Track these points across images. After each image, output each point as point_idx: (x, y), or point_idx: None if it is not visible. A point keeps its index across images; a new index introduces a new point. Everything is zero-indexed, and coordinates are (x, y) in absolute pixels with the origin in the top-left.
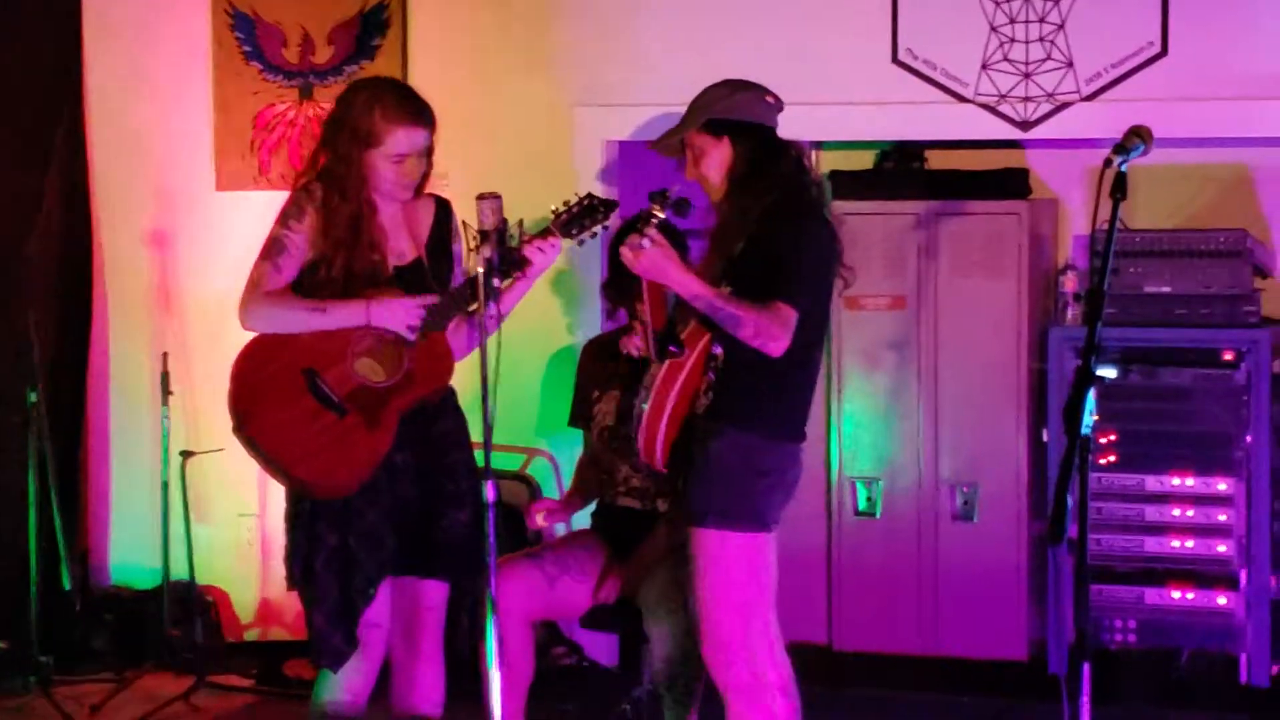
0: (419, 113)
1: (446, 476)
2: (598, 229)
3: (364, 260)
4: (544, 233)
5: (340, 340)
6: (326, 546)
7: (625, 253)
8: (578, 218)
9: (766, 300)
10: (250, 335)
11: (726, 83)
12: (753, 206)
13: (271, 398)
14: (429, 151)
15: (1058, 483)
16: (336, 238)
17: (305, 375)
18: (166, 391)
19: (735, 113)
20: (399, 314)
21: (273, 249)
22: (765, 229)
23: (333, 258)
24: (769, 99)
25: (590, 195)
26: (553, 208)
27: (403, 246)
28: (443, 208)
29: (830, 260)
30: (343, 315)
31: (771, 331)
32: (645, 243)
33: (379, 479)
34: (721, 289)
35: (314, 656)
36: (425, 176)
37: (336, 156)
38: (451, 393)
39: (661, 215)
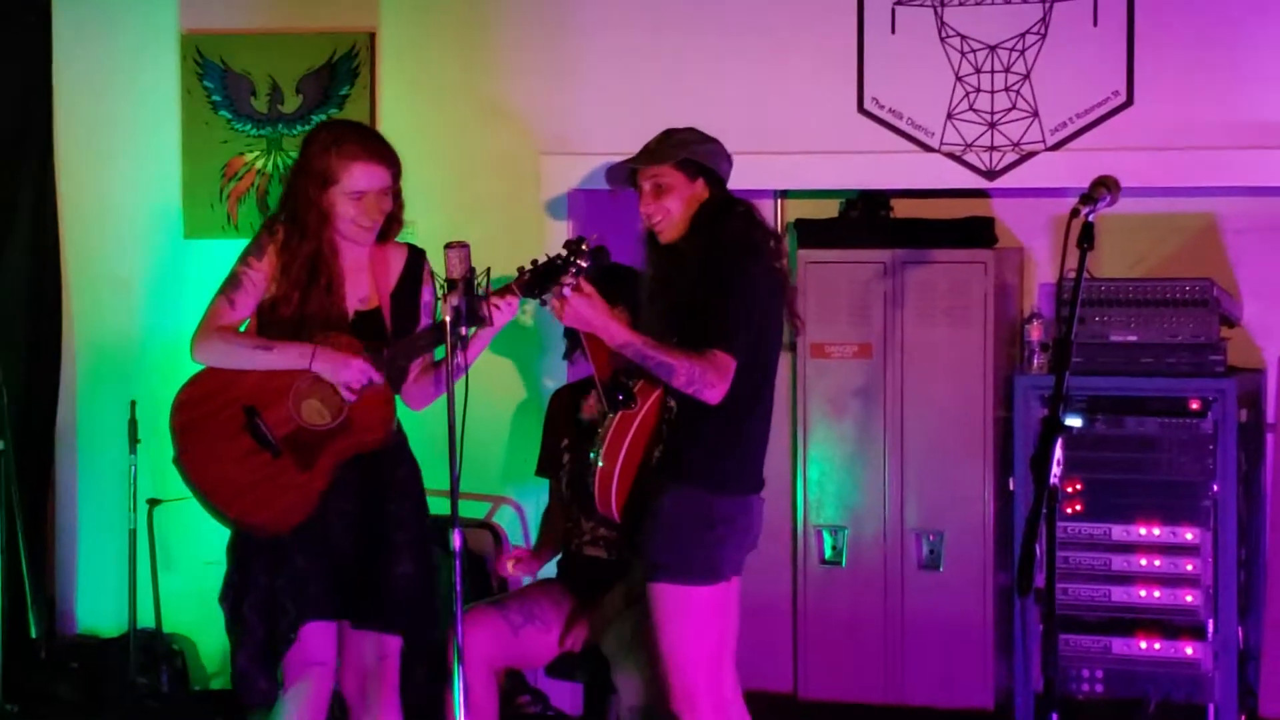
0: (377, 150)
1: (388, 526)
2: (569, 281)
3: (318, 302)
4: (501, 290)
5: (285, 380)
6: (257, 587)
7: (553, 303)
8: (541, 278)
9: (703, 347)
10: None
11: (693, 130)
12: (704, 250)
13: (209, 431)
14: (394, 193)
15: (1025, 533)
16: (294, 277)
17: (245, 412)
18: (134, 439)
19: (708, 159)
20: (343, 370)
21: (229, 284)
22: (709, 273)
23: (289, 296)
24: (727, 154)
25: (561, 254)
26: (521, 265)
27: (365, 291)
28: (415, 256)
29: (775, 305)
30: (288, 356)
31: (707, 379)
32: (567, 292)
33: (314, 523)
34: (661, 334)
35: (239, 697)
36: (396, 222)
37: (299, 197)
38: (403, 441)
39: (584, 264)
